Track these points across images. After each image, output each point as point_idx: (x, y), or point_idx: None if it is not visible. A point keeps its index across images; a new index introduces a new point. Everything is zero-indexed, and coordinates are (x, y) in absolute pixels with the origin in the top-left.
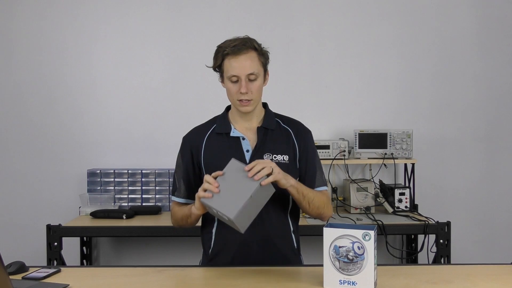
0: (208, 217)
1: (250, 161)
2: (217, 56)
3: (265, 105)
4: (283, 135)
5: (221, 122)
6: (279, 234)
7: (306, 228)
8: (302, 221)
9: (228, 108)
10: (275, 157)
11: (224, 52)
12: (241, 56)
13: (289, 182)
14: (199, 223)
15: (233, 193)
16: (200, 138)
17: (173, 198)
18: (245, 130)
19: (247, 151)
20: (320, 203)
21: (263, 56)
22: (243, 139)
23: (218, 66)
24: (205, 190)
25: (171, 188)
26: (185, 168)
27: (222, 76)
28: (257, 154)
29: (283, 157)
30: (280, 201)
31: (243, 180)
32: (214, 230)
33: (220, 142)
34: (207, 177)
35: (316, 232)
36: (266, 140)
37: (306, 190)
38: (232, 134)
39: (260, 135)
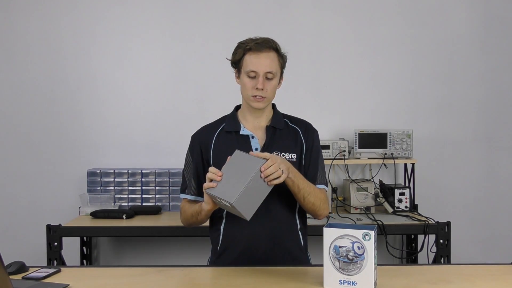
0: (216, 215)
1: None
2: (237, 51)
3: (273, 105)
4: (291, 134)
5: (231, 121)
6: (286, 231)
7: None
8: None
9: (237, 108)
10: (283, 155)
11: (246, 47)
12: (262, 54)
13: (289, 175)
14: (207, 223)
15: (234, 180)
16: (210, 137)
17: (183, 195)
18: (254, 128)
19: (256, 149)
20: (316, 199)
21: (282, 58)
22: (252, 137)
23: (237, 61)
24: (211, 181)
25: (172, 189)
26: (195, 166)
27: (239, 72)
28: (266, 152)
29: (291, 155)
30: (288, 199)
31: (244, 166)
32: (222, 227)
33: (229, 140)
34: (211, 168)
35: (317, 232)
36: (275, 139)
37: (302, 184)
38: (241, 132)
39: (269, 134)
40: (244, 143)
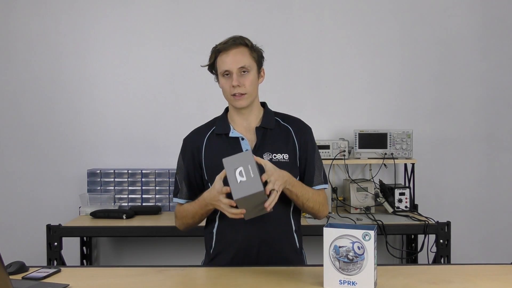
0: (209, 217)
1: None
2: (210, 56)
3: (264, 104)
4: (282, 134)
5: (221, 123)
6: (281, 233)
7: (306, 228)
8: (302, 221)
9: (227, 110)
10: (274, 156)
11: (216, 49)
12: (231, 51)
13: (286, 186)
14: (202, 223)
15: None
16: (201, 139)
17: (176, 199)
18: (244, 130)
19: (247, 151)
20: (315, 203)
21: (255, 52)
22: (242, 139)
23: (211, 65)
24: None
25: (172, 189)
26: (186, 169)
27: (217, 76)
28: (257, 154)
29: (283, 156)
30: (282, 201)
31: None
32: (215, 230)
33: (220, 142)
34: (232, 209)
35: (316, 232)
36: (265, 140)
37: (301, 192)
38: (231, 134)
39: (259, 135)
40: (235, 145)
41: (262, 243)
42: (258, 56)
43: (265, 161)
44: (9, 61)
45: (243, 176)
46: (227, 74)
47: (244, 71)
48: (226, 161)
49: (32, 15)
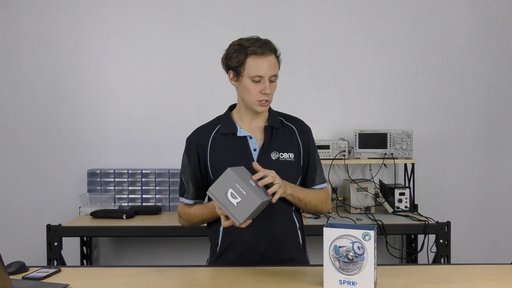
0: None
1: (258, 160)
2: (237, 54)
3: None
4: (287, 133)
5: (226, 122)
6: (285, 231)
7: (306, 228)
8: (303, 221)
9: (231, 108)
10: (281, 155)
11: (247, 51)
12: (266, 58)
13: (285, 192)
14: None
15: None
16: (205, 138)
17: (182, 199)
18: (251, 129)
19: (254, 150)
20: (318, 202)
21: (278, 60)
22: (250, 138)
23: (239, 64)
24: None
25: (172, 189)
26: (192, 169)
27: (238, 75)
28: (265, 152)
29: (289, 155)
30: (285, 200)
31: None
32: (221, 229)
33: (226, 142)
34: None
35: (317, 232)
36: (272, 139)
37: (302, 195)
38: (239, 134)
39: (267, 134)
40: (242, 144)
41: (268, 240)
42: (279, 64)
43: (258, 166)
44: (9, 62)
45: (236, 197)
46: (257, 79)
47: (273, 79)
48: (212, 190)
49: (32, 15)
